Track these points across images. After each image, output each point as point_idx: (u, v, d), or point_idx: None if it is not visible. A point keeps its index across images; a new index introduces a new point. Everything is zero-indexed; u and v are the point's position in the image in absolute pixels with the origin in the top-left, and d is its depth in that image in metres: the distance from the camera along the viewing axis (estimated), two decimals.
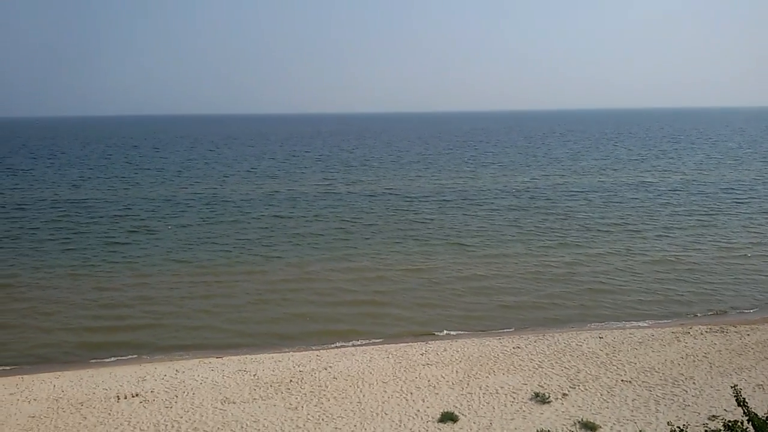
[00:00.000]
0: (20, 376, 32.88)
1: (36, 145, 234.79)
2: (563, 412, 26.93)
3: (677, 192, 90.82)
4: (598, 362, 32.39)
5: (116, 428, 26.43)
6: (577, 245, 58.62)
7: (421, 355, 34.00)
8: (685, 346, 34.56)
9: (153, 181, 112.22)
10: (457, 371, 31.55)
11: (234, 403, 28.61)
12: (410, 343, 36.52)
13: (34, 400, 29.53)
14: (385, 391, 29.38)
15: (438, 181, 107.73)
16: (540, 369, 31.66)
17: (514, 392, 28.98)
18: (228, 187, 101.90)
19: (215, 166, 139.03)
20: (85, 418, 27.49)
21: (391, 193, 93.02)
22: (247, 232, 66.19)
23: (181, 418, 27.23)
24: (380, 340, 37.72)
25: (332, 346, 36.86)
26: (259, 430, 25.99)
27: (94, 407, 28.48)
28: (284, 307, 43.17)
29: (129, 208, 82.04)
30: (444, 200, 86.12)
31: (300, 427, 26.06)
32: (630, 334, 37.01)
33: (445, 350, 34.64)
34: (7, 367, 34.71)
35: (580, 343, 35.22)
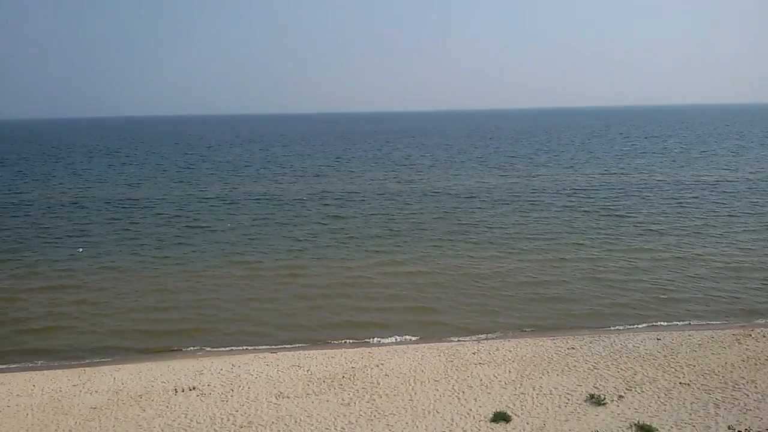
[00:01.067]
0: (82, 369, 34.03)
1: (92, 145, 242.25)
2: (619, 414, 26.42)
3: (737, 192, 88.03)
4: (656, 364, 31.65)
5: (174, 420, 27.09)
6: (633, 246, 57.39)
7: (473, 354, 33.82)
8: (747, 349, 33.48)
9: (208, 179, 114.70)
10: (509, 371, 31.28)
11: (288, 397, 28.99)
12: (462, 342, 36.41)
13: (96, 391, 30.49)
14: (437, 390, 29.34)
15: (491, 179, 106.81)
16: (595, 370, 31.13)
17: (568, 393, 28.58)
18: (281, 186, 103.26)
19: (270, 166, 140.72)
20: (144, 410, 28.25)
21: (444, 193, 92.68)
22: (296, 232, 67.00)
23: (237, 411, 27.74)
24: (432, 338, 37.67)
25: (384, 343, 36.99)
26: (312, 425, 26.28)
27: (152, 400, 29.26)
28: (335, 305, 43.52)
29: (184, 207, 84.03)
30: (498, 199, 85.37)
31: (352, 423, 26.24)
32: (688, 336, 36.04)
33: (497, 350, 34.38)
34: (70, 360, 35.93)
35: (637, 345, 34.49)
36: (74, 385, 31.31)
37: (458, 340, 36.99)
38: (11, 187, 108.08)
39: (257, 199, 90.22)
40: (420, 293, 45.34)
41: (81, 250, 59.55)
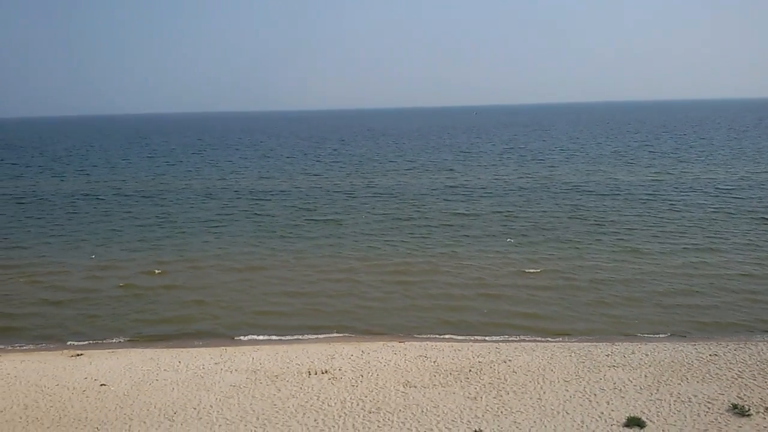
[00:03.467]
0: (224, 348, 36.20)
1: (236, 138, 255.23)
2: (765, 427, 24.66)
3: None
4: None
5: (307, 402, 28.24)
6: None
7: (607, 356, 32.72)
8: None
9: (340, 172, 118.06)
10: (645, 375, 29.98)
11: (415, 387, 29.41)
12: (595, 343, 35.27)
13: (236, 370, 32.34)
14: (567, 390, 28.67)
15: (623, 175, 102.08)
16: (739, 379, 29.20)
17: (708, 402, 27.01)
18: (407, 180, 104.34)
19: (398, 161, 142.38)
20: (279, 390, 29.64)
21: (577, 189, 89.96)
22: (431, 222, 67.52)
23: (366, 397, 28.50)
24: (561, 337, 36.82)
25: (512, 339, 36.55)
26: (438, 415, 26.50)
27: (287, 381, 30.65)
28: (463, 298, 43.54)
29: (316, 200, 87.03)
30: (635, 197, 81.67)
31: (479, 417, 26.21)
32: None
33: (633, 353, 33.04)
34: (206, 339, 38.34)
35: None
36: (216, 363, 33.37)
37: (592, 341, 35.89)
38: (160, 176, 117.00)
39: (382, 193, 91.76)
40: (548, 295, 44.36)
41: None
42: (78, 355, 35.48)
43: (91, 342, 38.11)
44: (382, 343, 36.04)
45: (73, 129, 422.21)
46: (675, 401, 27.20)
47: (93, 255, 57.17)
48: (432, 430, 25.35)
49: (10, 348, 37.58)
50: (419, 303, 42.83)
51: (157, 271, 50.85)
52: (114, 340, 38.26)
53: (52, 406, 28.71)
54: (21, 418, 27.71)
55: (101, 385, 30.92)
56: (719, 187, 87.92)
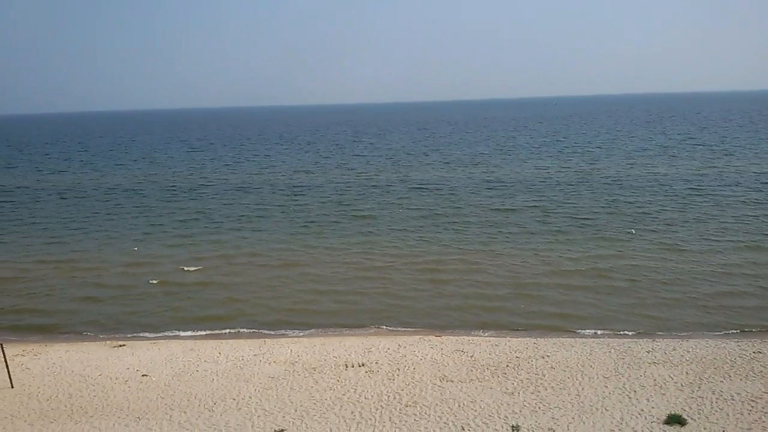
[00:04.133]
0: (263, 340, 36.68)
1: (279, 132, 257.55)
2: None
3: None
4: None
5: (344, 394, 28.44)
6: None
7: (647, 352, 32.23)
8: None
9: (375, 166, 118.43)
10: (687, 372, 29.48)
11: (452, 381, 29.39)
12: (635, 339, 34.81)
13: (274, 362, 32.72)
14: (606, 387, 28.34)
15: (663, 168, 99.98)
16: None
17: (752, 400, 26.44)
18: (444, 174, 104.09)
19: (432, 153, 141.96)
20: (317, 382, 29.91)
21: (612, 182, 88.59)
22: (467, 217, 67.33)
23: (402, 390, 28.58)
24: (601, 332, 36.42)
25: (549, 335, 36.24)
26: (475, 410, 26.46)
27: (324, 373, 30.91)
28: (497, 298, 43.32)
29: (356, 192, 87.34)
30: (675, 192, 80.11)
31: (516, 413, 26.08)
32: None
33: (674, 349, 32.50)
34: (249, 330, 38.95)
35: None
36: (255, 355, 33.81)
37: (631, 338, 35.41)
38: (201, 171, 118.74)
39: (420, 187, 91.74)
40: (585, 294, 43.89)
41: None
42: (120, 345, 36.28)
43: (132, 333, 38.91)
44: (418, 337, 36.09)
45: (111, 124, 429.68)
46: (717, 399, 26.70)
47: (135, 248, 58.46)
48: (469, 424, 25.31)
49: (55, 339, 38.57)
50: (453, 302, 42.47)
51: (192, 269, 51.30)
52: (154, 333, 38.96)
53: (95, 396, 29.42)
54: (66, 406, 28.45)
55: (143, 375, 31.58)
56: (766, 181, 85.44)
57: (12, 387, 30.41)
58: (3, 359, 31.26)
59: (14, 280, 49.96)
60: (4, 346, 32.13)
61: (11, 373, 31.05)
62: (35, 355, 34.87)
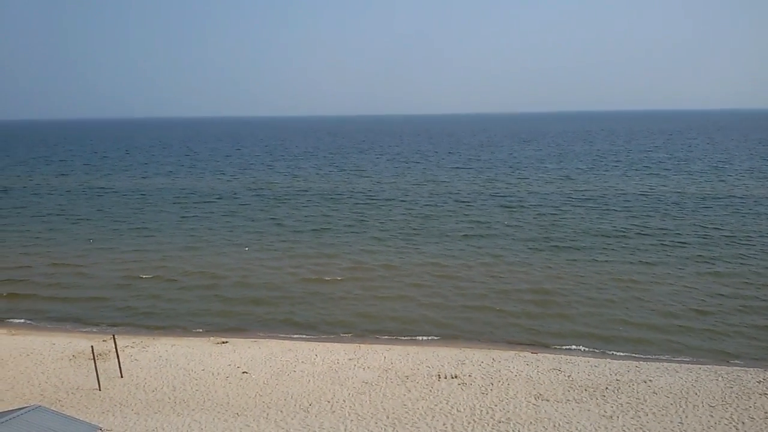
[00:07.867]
0: (358, 345, 37.14)
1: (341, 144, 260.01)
2: None
3: None
4: None
5: (436, 405, 28.36)
6: None
7: (758, 382, 30.41)
8: None
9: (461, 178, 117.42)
10: None
11: (547, 400, 28.73)
12: (745, 368, 32.88)
13: (368, 367, 33.07)
14: (712, 416, 26.94)
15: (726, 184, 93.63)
16: None
17: None
18: (526, 187, 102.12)
19: (524, 167, 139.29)
20: (409, 391, 29.98)
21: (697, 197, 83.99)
22: (560, 229, 65.77)
23: (496, 406, 28.19)
24: (706, 359, 34.66)
25: (652, 358, 34.81)
26: (571, 431, 25.76)
27: (417, 382, 30.94)
28: (605, 311, 42.04)
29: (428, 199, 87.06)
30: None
31: None
32: None
33: None
34: (345, 335, 39.53)
35: None
36: (350, 359, 34.28)
37: (741, 366, 33.49)
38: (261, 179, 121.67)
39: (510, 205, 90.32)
40: (688, 308, 41.88)
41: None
42: (223, 342, 37.67)
43: (234, 331, 40.27)
44: (514, 352, 35.50)
45: (168, 132, 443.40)
46: None
47: (246, 247, 61.45)
48: None
49: (162, 333, 40.44)
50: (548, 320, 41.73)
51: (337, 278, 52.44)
52: (255, 332, 40.13)
53: (197, 390, 30.68)
54: (170, 398, 29.81)
55: (243, 372, 32.67)
56: None
57: (121, 376, 32.18)
58: (115, 350, 33.12)
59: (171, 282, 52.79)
60: (116, 337, 34.01)
61: (121, 363, 32.83)
62: (144, 348, 36.72)
